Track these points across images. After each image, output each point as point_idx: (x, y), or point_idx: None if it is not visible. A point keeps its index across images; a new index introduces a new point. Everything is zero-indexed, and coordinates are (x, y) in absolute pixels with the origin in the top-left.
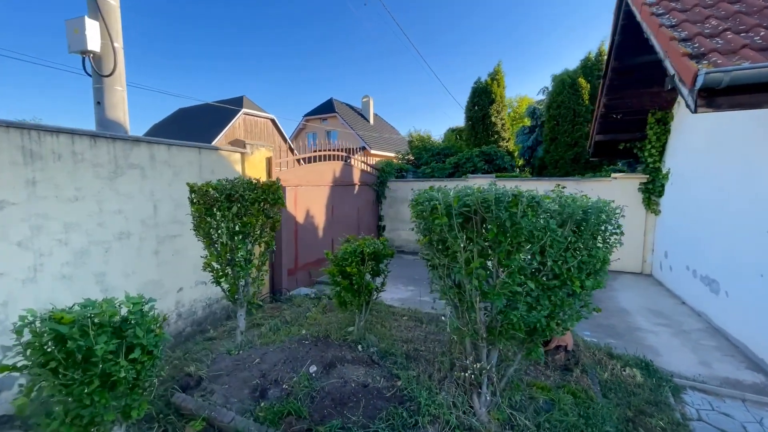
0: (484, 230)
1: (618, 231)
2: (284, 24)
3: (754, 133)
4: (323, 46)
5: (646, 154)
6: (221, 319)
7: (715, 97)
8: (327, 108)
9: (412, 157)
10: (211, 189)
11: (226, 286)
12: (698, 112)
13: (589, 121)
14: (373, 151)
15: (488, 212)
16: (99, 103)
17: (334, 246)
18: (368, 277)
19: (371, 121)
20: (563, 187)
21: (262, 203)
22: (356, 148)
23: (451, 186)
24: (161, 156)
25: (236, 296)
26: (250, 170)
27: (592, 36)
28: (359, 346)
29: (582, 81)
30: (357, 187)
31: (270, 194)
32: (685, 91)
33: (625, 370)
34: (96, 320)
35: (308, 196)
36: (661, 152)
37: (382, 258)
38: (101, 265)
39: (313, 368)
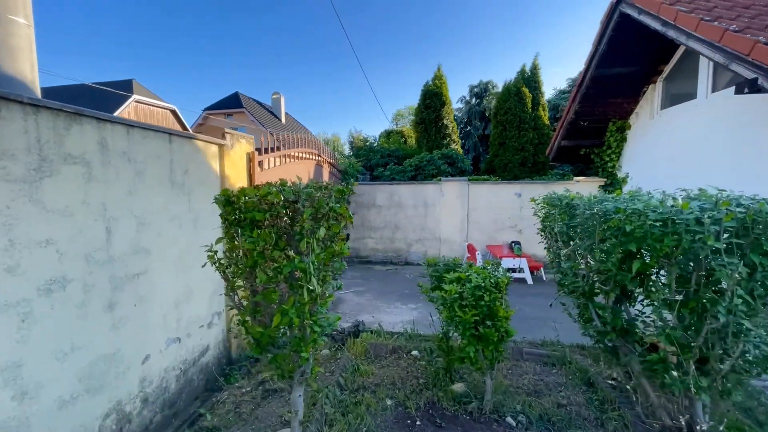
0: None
1: None
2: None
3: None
4: (233, 37)
5: (606, 159)
6: (200, 389)
7: None
8: (232, 103)
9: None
10: (278, 199)
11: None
12: None
13: (533, 127)
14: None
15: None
16: None
17: None
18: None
19: (283, 119)
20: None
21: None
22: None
23: (433, 189)
24: (118, 144)
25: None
26: (230, 169)
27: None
28: (507, 419)
29: (525, 90)
30: None
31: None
32: None
33: None
34: None
35: None
36: (618, 158)
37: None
38: (12, 349)
39: None
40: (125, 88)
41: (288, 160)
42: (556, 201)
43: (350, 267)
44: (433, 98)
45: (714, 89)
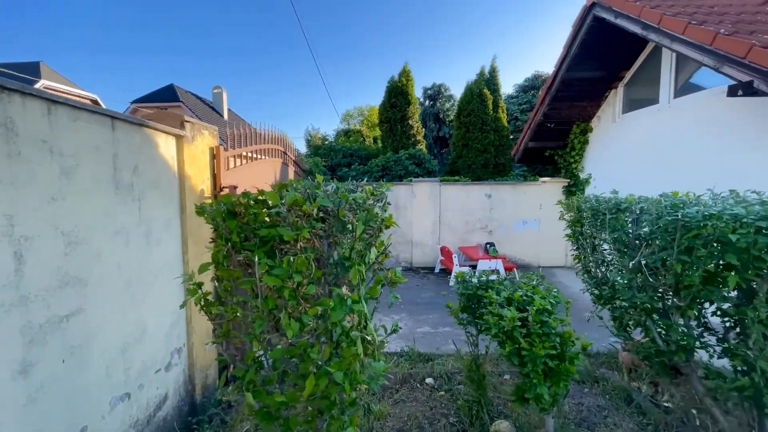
0: None
1: None
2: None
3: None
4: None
5: (570, 160)
6: None
7: None
8: (167, 95)
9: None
10: (314, 208)
11: None
12: None
13: (494, 129)
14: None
15: None
16: None
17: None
18: None
19: (225, 115)
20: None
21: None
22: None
23: (420, 190)
24: (33, 128)
25: None
26: (191, 167)
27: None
28: None
29: (487, 92)
30: None
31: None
32: None
33: None
34: None
35: None
36: (581, 159)
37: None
38: None
39: None
40: (31, 71)
41: (255, 157)
42: (598, 205)
43: None
44: (399, 97)
45: (676, 95)
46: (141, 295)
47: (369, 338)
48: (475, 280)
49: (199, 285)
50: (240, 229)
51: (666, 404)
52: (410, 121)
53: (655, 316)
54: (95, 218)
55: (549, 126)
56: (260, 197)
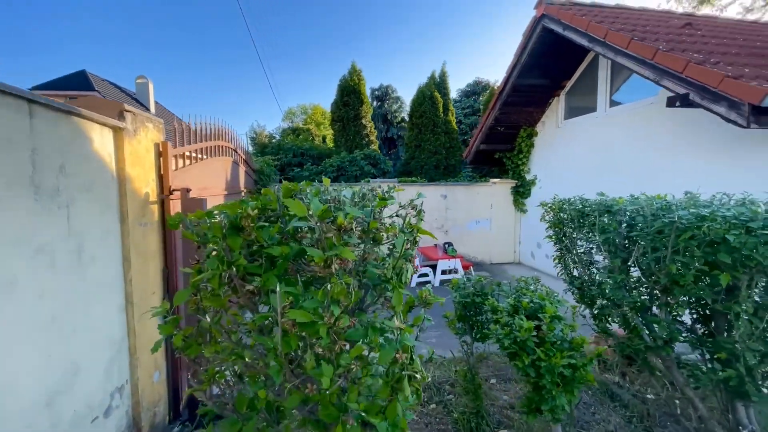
0: None
1: None
2: None
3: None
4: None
5: (518, 162)
6: None
7: (764, 115)
8: (78, 83)
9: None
10: (350, 220)
11: None
12: (751, 127)
13: (445, 131)
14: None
15: None
16: None
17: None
18: None
19: (152, 109)
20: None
21: None
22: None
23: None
24: None
25: None
26: (133, 166)
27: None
28: None
29: (438, 95)
30: (243, 195)
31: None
32: (741, 108)
33: None
34: None
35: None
36: (527, 161)
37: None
38: None
39: None
40: None
41: (206, 155)
42: (584, 207)
43: None
44: (351, 95)
45: (611, 105)
46: (71, 328)
47: (418, 376)
48: (470, 287)
49: (177, 320)
50: (243, 248)
51: (648, 395)
52: (363, 121)
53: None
54: (6, 234)
55: (499, 130)
56: (269, 207)
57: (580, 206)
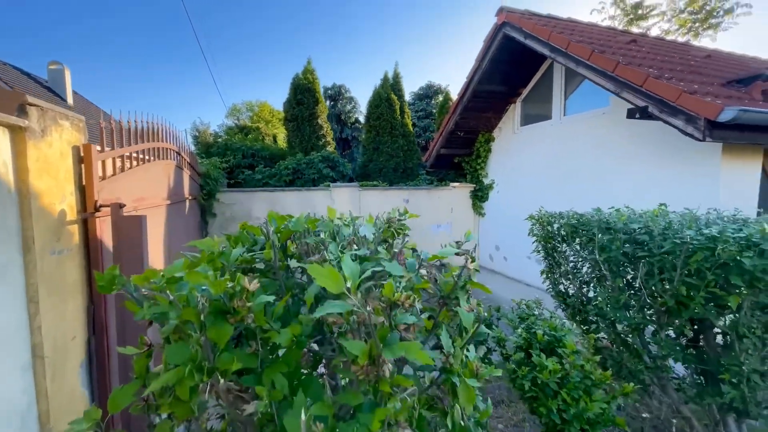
0: None
1: None
2: None
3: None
4: None
5: (477, 167)
6: None
7: (717, 129)
8: None
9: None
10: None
11: None
12: (706, 140)
13: (402, 134)
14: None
15: None
16: None
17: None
18: None
19: (69, 100)
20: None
21: None
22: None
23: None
24: None
25: None
26: (41, 176)
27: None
28: None
29: (394, 97)
30: (188, 203)
31: None
32: (698, 122)
33: None
34: None
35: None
36: (485, 166)
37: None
38: None
39: None
40: None
41: (142, 160)
42: (579, 223)
43: None
44: (305, 94)
45: (565, 113)
46: None
47: None
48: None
49: None
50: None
51: (644, 414)
52: (319, 121)
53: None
54: None
55: (459, 134)
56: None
57: (575, 221)
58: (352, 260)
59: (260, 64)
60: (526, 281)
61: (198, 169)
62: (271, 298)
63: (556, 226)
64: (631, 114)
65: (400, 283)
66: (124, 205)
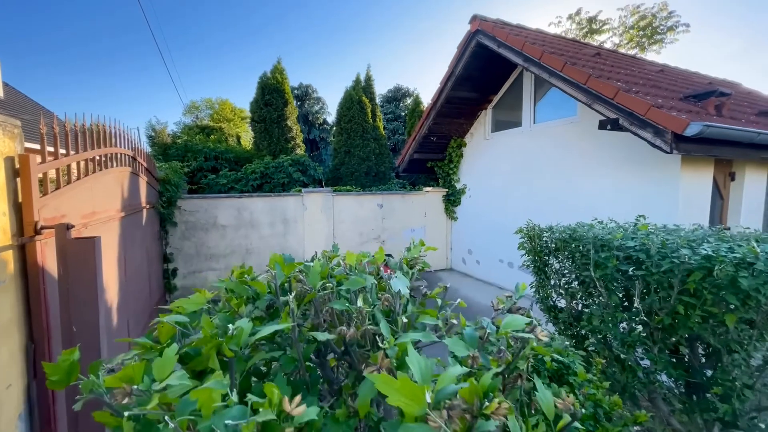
0: None
1: None
2: None
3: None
4: None
5: (449, 171)
6: None
7: (682, 142)
8: None
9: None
10: None
11: None
12: (673, 153)
13: (374, 138)
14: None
15: None
16: None
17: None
18: None
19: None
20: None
21: None
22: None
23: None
24: None
25: None
26: None
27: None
28: None
29: (366, 100)
30: (145, 212)
31: None
32: (665, 135)
33: None
34: None
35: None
36: (457, 171)
37: None
38: None
39: None
40: None
41: (93, 169)
42: (572, 239)
43: None
44: (273, 94)
45: (535, 121)
46: None
47: None
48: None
49: None
50: None
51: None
52: (288, 122)
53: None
54: None
55: (432, 139)
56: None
57: (566, 236)
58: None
59: (220, 61)
60: (498, 284)
61: (156, 174)
62: (314, 414)
63: (545, 239)
64: (602, 125)
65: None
66: (72, 226)
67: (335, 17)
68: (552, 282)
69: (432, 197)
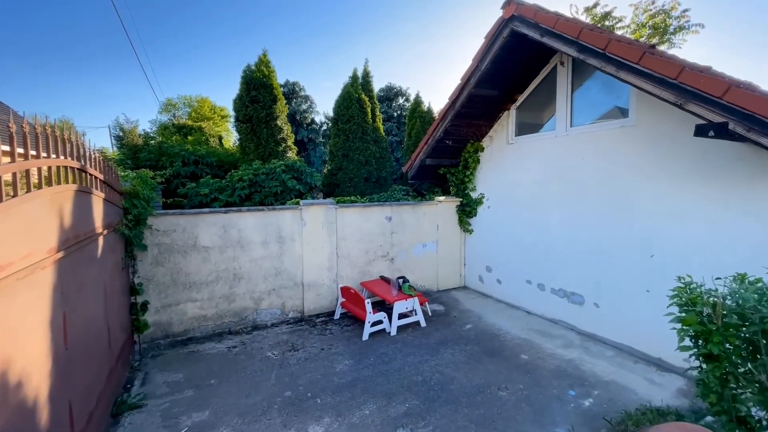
0: None
1: None
2: None
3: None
4: None
5: (465, 179)
6: None
7: None
8: None
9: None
10: None
11: None
12: None
13: (374, 140)
14: None
15: None
16: None
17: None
18: None
19: None
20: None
21: None
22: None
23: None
24: None
25: None
26: None
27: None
28: None
29: (365, 98)
30: (102, 239)
31: None
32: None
33: None
34: None
35: (9, 307)
36: (473, 178)
37: None
38: None
39: None
40: None
41: (8, 193)
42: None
43: (157, 361)
44: (260, 90)
45: (572, 125)
46: None
47: None
48: None
49: None
50: None
51: None
52: (278, 122)
53: None
54: None
55: (447, 143)
56: None
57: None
58: None
59: (198, 57)
60: (525, 308)
61: (119, 187)
62: None
63: (733, 314)
64: (701, 131)
65: None
66: None
67: (327, 13)
68: (741, 383)
69: (445, 208)
